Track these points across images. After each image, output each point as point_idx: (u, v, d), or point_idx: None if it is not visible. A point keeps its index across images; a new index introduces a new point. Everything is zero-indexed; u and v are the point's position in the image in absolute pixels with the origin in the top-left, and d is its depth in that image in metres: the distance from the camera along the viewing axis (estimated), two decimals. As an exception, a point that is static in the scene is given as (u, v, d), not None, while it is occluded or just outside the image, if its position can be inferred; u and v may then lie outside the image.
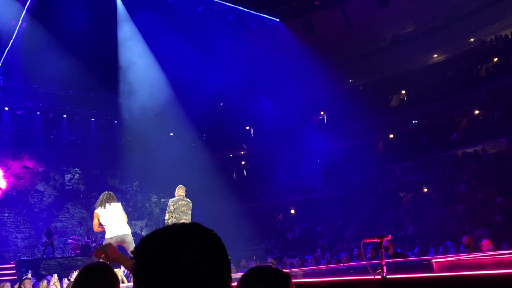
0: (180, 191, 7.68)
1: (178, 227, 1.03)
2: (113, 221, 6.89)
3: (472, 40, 22.16)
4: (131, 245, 6.96)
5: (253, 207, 21.77)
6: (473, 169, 17.03)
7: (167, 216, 7.55)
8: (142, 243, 1.02)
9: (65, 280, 10.08)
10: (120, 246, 7.13)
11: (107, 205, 6.94)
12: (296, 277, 5.09)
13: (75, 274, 7.98)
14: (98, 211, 6.97)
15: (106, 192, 7.31)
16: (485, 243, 7.84)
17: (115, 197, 7.18)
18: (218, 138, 23.82)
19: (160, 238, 1.01)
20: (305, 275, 5.84)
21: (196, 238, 1.00)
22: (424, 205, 16.91)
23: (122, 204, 7.32)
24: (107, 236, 6.88)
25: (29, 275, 10.38)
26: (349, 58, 23.17)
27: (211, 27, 20.39)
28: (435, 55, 23.29)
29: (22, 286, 9.03)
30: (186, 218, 7.42)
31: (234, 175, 25.84)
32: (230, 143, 24.66)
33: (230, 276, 1.05)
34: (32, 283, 9.29)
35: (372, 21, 22.46)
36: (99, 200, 7.09)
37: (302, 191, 21.50)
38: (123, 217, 7.06)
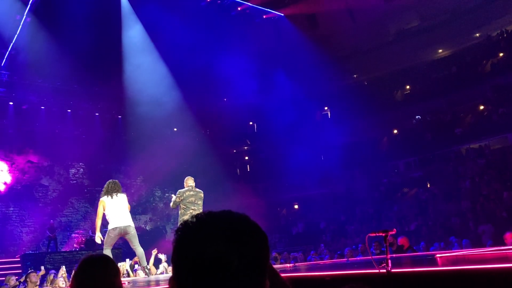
0: (188, 181, 7.64)
1: (224, 220, 0.98)
2: (117, 212, 6.88)
3: (477, 35, 22.00)
4: (134, 238, 6.95)
5: (257, 202, 21.79)
6: (478, 165, 16.98)
7: (171, 204, 7.58)
8: (183, 230, 0.99)
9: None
10: (123, 239, 7.18)
11: (114, 195, 6.94)
12: (300, 271, 5.11)
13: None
14: (105, 199, 6.94)
15: (112, 181, 7.25)
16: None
17: (120, 187, 7.17)
18: (221, 134, 23.83)
19: (204, 228, 0.96)
20: (309, 269, 5.85)
21: (239, 234, 0.96)
22: (428, 201, 16.90)
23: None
24: (109, 227, 6.87)
25: (42, 270, 10.46)
26: (353, 53, 23.08)
27: (215, 21, 20.34)
28: (440, 50, 23.16)
29: (28, 279, 9.08)
30: (195, 209, 7.35)
31: (238, 170, 25.88)
32: (233, 139, 24.67)
33: (265, 276, 0.99)
34: (40, 277, 9.35)
35: (377, 16, 22.34)
36: (104, 188, 7.08)
37: (305, 186, 21.49)
38: (127, 208, 7.04)
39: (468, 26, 21.02)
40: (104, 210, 6.92)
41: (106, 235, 6.88)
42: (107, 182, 7.22)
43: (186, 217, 7.37)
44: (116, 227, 6.81)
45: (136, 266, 11.04)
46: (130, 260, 10.88)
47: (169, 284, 0.99)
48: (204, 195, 7.78)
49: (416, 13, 22.91)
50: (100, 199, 7.02)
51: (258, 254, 0.97)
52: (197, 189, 7.61)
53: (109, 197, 6.93)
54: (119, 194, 7.00)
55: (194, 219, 1.00)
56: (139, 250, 6.98)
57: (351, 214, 18.79)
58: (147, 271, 7.25)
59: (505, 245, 7.64)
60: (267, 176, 22.91)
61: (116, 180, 7.28)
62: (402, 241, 8.87)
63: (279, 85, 22.64)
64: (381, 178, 20.22)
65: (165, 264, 11.15)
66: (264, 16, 22.48)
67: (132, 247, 7.06)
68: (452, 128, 19.81)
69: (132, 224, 6.98)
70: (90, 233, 18.17)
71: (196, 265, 0.93)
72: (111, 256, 6.73)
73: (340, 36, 22.62)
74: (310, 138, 21.31)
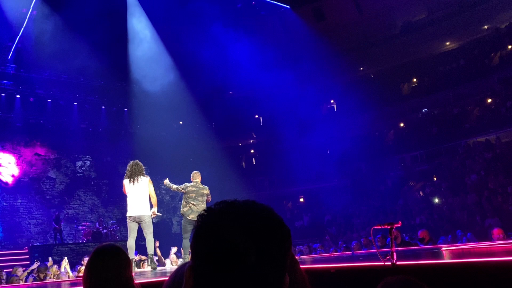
0: (195, 177, 7.82)
1: (246, 211, 0.96)
2: (133, 199, 6.92)
3: (485, 27, 21.76)
4: (147, 226, 6.96)
5: (262, 195, 21.83)
6: (485, 159, 16.87)
7: (173, 187, 7.79)
8: (204, 217, 0.96)
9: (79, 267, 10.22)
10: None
11: (135, 180, 6.90)
12: (305, 263, 5.12)
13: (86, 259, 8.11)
14: (126, 183, 6.99)
15: (134, 162, 7.11)
16: (495, 231, 7.77)
17: (142, 169, 7.10)
18: (227, 127, 23.84)
19: (225, 217, 0.94)
20: (314, 261, 5.86)
21: (259, 228, 0.93)
22: (434, 195, 16.84)
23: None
24: (127, 214, 7.03)
25: (50, 261, 10.57)
26: (360, 46, 22.92)
27: (220, 14, 20.26)
28: (448, 43, 22.94)
29: (38, 271, 9.16)
30: (194, 203, 7.55)
31: (243, 163, 25.91)
32: (239, 132, 24.68)
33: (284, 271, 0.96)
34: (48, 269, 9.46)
35: (384, 8, 22.15)
36: (127, 171, 7.02)
37: (311, 179, 21.49)
38: (146, 196, 6.99)
39: (476, 19, 20.79)
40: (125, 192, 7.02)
41: (127, 224, 7.03)
42: (130, 163, 7.14)
43: (185, 209, 7.67)
44: (130, 216, 6.94)
45: (144, 257, 11.15)
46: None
47: (186, 272, 0.98)
48: (209, 190, 7.86)
49: (424, 5, 22.68)
50: (123, 181, 7.06)
51: (277, 249, 0.93)
52: (201, 185, 7.73)
53: (131, 182, 6.93)
54: (140, 179, 6.95)
55: (218, 206, 0.97)
56: (149, 238, 7.02)
57: (357, 208, 18.77)
58: (149, 260, 7.20)
59: (491, 240, 7.61)
60: (272, 169, 22.92)
61: (139, 162, 7.15)
62: (422, 234, 8.90)
63: (285, 78, 22.57)
64: (387, 171, 20.15)
65: (174, 256, 11.22)
66: (270, 8, 22.37)
67: (144, 233, 7.09)
68: (459, 122, 19.68)
69: (146, 212, 6.97)
70: (97, 225, 18.31)
71: (213, 255, 0.91)
72: (134, 246, 6.81)
73: (346, 28, 22.47)
74: (316, 131, 21.25)
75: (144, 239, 7.18)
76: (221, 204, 0.97)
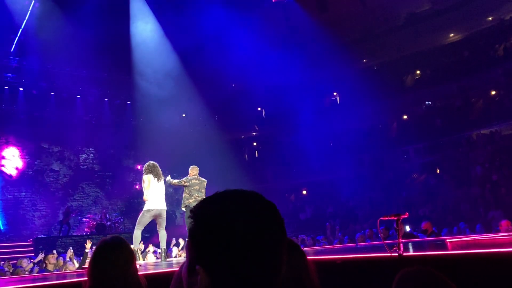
0: (194, 171, 8.18)
1: (240, 195, 1.00)
2: (156, 195, 7.44)
3: (490, 18, 21.57)
4: (163, 221, 7.54)
5: (265, 187, 21.84)
6: (488, 151, 16.83)
7: (174, 181, 8.09)
8: (199, 212, 0.99)
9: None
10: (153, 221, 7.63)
11: (159, 179, 7.52)
12: (309, 254, 5.14)
13: (88, 244, 8.40)
14: (151, 178, 7.46)
15: (154, 163, 7.66)
16: (504, 223, 7.75)
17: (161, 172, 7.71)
18: (230, 119, 23.81)
19: (222, 203, 0.98)
20: (319, 253, 5.88)
21: (256, 212, 0.97)
22: (437, 187, 16.83)
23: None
24: (146, 207, 7.41)
25: (54, 253, 10.67)
26: (363, 38, 22.78)
27: (223, 6, 20.16)
28: (452, 34, 22.77)
29: (46, 261, 9.29)
30: (198, 196, 7.92)
31: (246, 156, 25.91)
32: (242, 124, 24.64)
33: (283, 254, 0.99)
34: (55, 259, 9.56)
35: (387, -1, 22.00)
36: (152, 169, 7.52)
37: (314, 172, 21.48)
38: (164, 194, 7.66)
39: (481, 10, 20.61)
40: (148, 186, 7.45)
41: (141, 215, 7.48)
42: (150, 163, 7.67)
43: (191, 200, 7.94)
44: (152, 209, 7.38)
45: (150, 248, 11.24)
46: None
47: (200, 273, 0.96)
48: (209, 182, 8.27)
49: (428, -4, 22.51)
50: (147, 175, 7.50)
51: (275, 228, 0.97)
52: (201, 178, 8.19)
53: (156, 179, 7.50)
54: (161, 178, 7.63)
55: (211, 199, 1.00)
56: (163, 232, 7.55)
57: (359, 200, 18.79)
58: (163, 254, 7.65)
59: (498, 231, 7.60)
60: (275, 162, 22.91)
61: (157, 164, 7.72)
62: (425, 225, 9.04)
63: (288, 71, 22.51)
64: (390, 163, 20.13)
65: (176, 248, 11.30)
66: (273, 0, 22.25)
67: (158, 228, 7.61)
68: (462, 114, 19.61)
69: (165, 208, 7.60)
70: (101, 217, 18.39)
71: (224, 247, 0.92)
72: (140, 236, 7.25)
73: (350, 20, 22.33)
74: (319, 123, 21.21)
75: (148, 232, 7.47)
76: (214, 196, 1.00)
